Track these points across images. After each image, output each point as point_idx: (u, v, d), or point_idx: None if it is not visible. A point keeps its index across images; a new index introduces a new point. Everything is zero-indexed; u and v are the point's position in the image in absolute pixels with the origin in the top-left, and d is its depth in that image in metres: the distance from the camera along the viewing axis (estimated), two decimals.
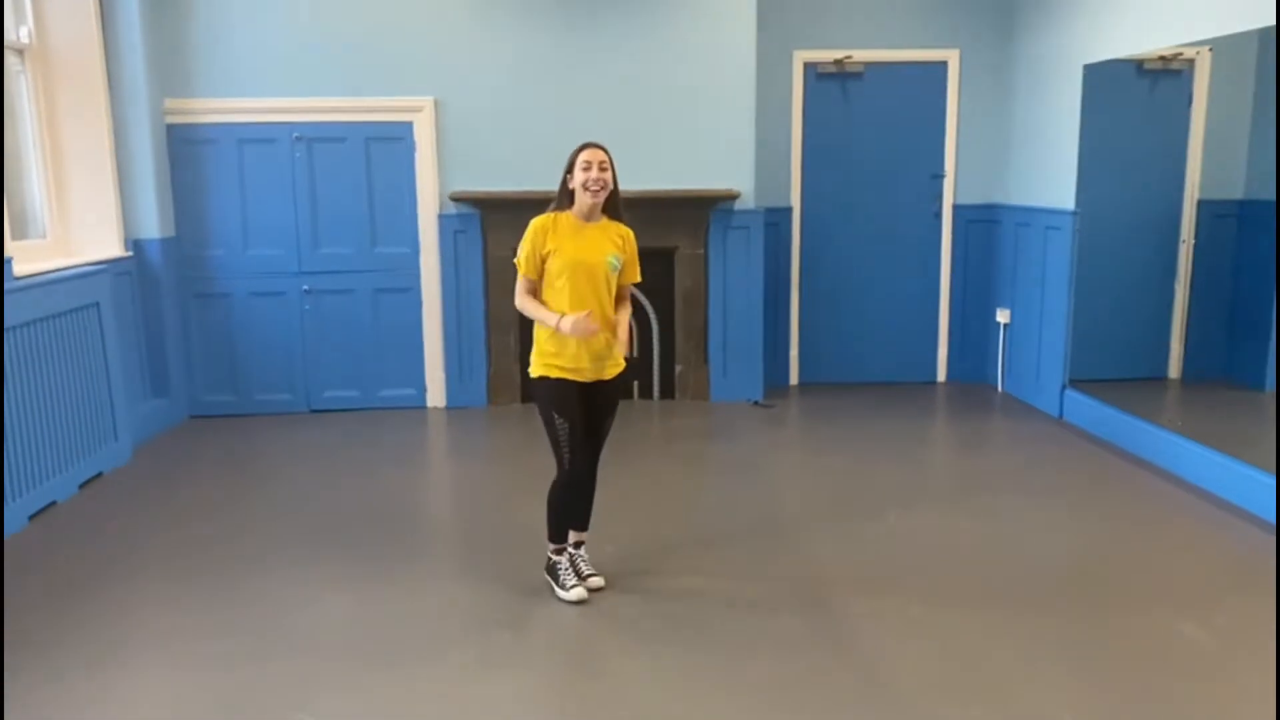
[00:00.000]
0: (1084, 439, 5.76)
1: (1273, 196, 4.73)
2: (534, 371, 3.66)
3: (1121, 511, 4.66)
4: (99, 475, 5.15)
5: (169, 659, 3.33)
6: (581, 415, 3.64)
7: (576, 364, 3.60)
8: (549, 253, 3.57)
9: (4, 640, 3.41)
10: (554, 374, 3.61)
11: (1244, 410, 4.95)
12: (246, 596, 3.78)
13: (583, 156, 3.56)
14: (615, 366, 3.69)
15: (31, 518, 4.55)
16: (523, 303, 3.66)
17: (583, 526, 3.87)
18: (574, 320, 3.47)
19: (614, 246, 3.63)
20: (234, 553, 4.20)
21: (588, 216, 3.62)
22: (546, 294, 3.62)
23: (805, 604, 3.68)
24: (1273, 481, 4.38)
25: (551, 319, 3.53)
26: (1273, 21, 4.39)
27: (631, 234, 3.72)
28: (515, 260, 3.67)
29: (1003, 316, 6.86)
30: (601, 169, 3.54)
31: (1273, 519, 4.36)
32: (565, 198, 3.61)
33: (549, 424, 3.63)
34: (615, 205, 3.67)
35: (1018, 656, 3.30)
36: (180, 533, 4.44)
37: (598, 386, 3.65)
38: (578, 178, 3.56)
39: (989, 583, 3.87)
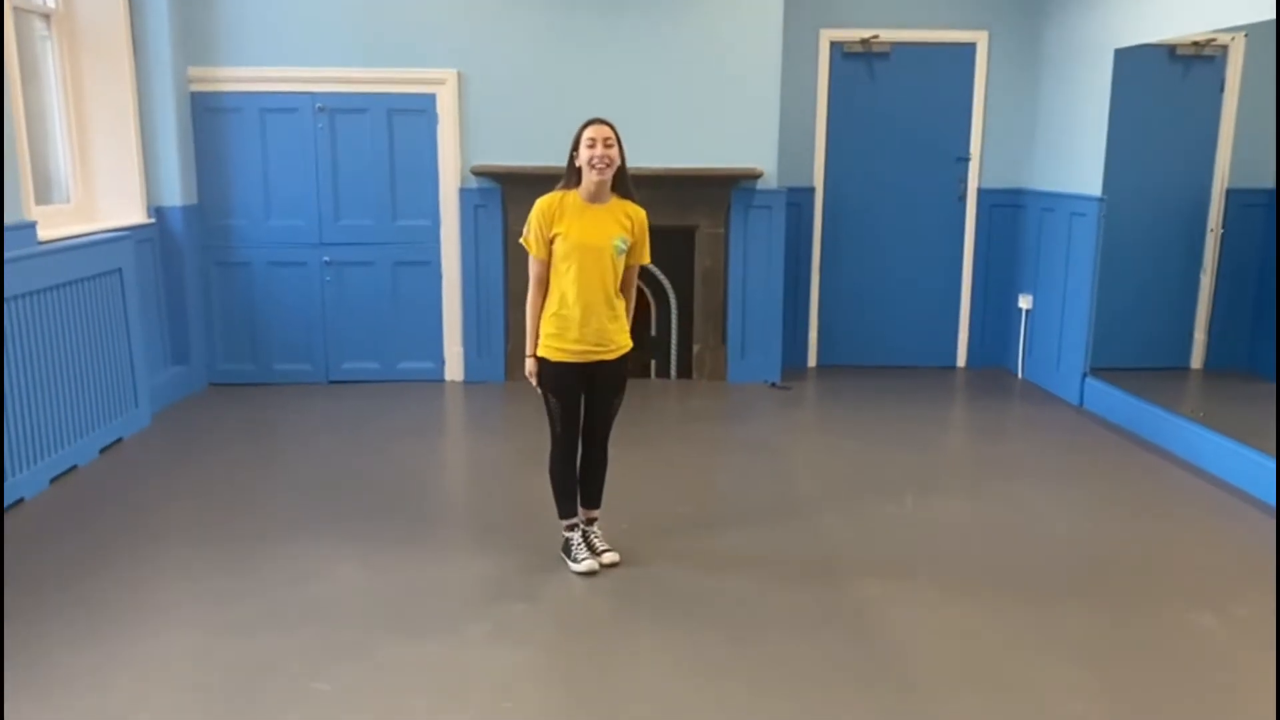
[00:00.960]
0: (1104, 427, 5.72)
1: None
2: (540, 350, 3.66)
3: (1140, 501, 4.63)
4: (119, 441, 5.19)
5: (183, 625, 3.36)
6: (583, 394, 3.69)
7: (579, 345, 3.59)
8: (555, 235, 3.54)
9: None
10: (554, 356, 3.61)
11: (1267, 401, 4.90)
12: (262, 564, 3.81)
13: (587, 133, 3.50)
14: (619, 350, 3.68)
15: (52, 481, 4.59)
16: (532, 299, 3.63)
17: (594, 504, 3.88)
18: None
19: (621, 228, 3.58)
20: (250, 520, 4.23)
21: (594, 196, 3.56)
22: (552, 276, 3.60)
23: (819, 585, 3.68)
24: None
25: (529, 347, 3.66)
26: None
27: (642, 214, 3.66)
28: (522, 240, 3.63)
29: (1025, 302, 6.80)
30: (606, 145, 3.48)
31: None
32: (574, 175, 3.57)
33: (544, 399, 3.70)
34: (624, 183, 3.61)
35: (1032, 644, 3.29)
36: (197, 500, 4.48)
37: (600, 366, 3.65)
38: (583, 155, 3.50)
39: (1005, 569, 3.86)
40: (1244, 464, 4.71)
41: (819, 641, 3.28)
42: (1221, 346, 5.74)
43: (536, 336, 3.65)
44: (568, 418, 3.69)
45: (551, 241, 3.56)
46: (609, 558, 3.81)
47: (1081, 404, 6.14)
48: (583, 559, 3.74)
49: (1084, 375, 6.11)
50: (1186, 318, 5.82)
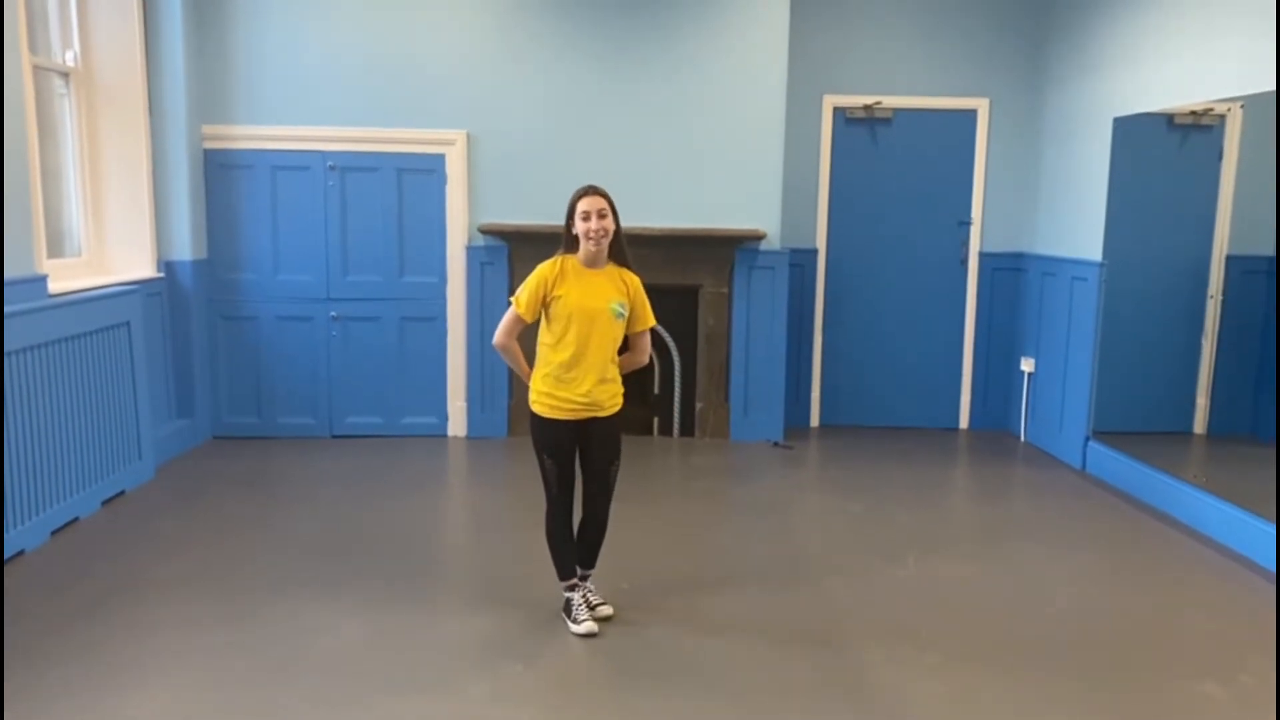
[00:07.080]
0: (1106, 491, 5.71)
1: None
2: (531, 405, 3.70)
3: (1143, 566, 4.60)
4: (122, 493, 5.19)
5: (183, 679, 3.34)
6: (577, 455, 3.71)
7: (572, 404, 3.62)
8: (555, 298, 3.58)
9: (3, 655, 3.44)
10: (545, 412, 3.65)
11: (1269, 467, 4.89)
12: (262, 619, 3.79)
13: (581, 205, 3.55)
14: (611, 409, 3.69)
15: (54, 533, 4.59)
16: (507, 342, 3.69)
17: (589, 565, 3.88)
18: None
19: (618, 293, 3.63)
20: (251, 574, 4.22)
21: (592, 262, 3.61)
22: (548, 338, 3.64)
23: (820, 648, 3.66)
24: None
25: (524, 377, 3.74)
26: None
27: (637, 280, 3.70)
28: (513, 298, 3.65)
29: (1027, 365, 6.83)
30: (600, 217, 3.53)
31: None
32: (572, 242, 3.63)
33: (539, 460, 3.71)
34: (621, 250, 3.65)
35: (1033, 710, 3.26)
36: (199, 553, 4.47)
37: (593, 424, 3.67)
38: (579, 226, 3.56)
39: (1007, 634, 3.83)
40: (1247, 530, 4.69)
41: (820, 706, 3.25)
42: (1224, 411, 5.74)
43: (525, 366, 3.73)
44: (562, 479, 3.70)
45: (549, 304, 3.60)
46: (603, 611, 3.82)
47: (1084, 468, 6.13)
48: (583, 620, 3.72)
49: (1086, 439, 6.12)
50: (1188, 382, 5.82)
